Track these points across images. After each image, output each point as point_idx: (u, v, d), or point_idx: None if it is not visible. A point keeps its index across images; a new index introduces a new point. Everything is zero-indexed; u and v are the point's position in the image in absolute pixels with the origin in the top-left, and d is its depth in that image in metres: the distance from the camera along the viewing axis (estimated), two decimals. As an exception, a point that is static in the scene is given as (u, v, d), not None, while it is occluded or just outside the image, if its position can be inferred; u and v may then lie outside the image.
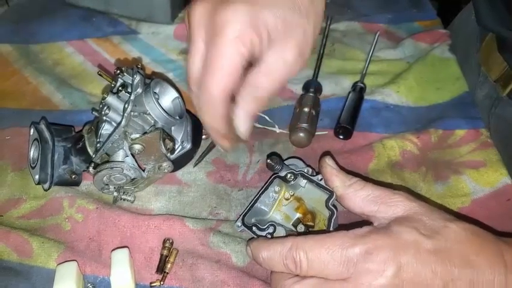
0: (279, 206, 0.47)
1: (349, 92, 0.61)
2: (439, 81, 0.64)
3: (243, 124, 0.40)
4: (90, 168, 0.46)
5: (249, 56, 0.37)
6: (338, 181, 0.42)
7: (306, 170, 0.46)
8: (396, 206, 0.38)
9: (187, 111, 0.53)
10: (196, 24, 0.38)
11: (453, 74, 0.66)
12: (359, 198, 0.40)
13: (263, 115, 0.59)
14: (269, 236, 0.42)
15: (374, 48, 0.65)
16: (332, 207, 0.42)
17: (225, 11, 0.36)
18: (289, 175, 0.45)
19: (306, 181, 0.45)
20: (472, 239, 0.35)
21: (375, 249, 0.34)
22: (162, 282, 0.43)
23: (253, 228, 0.43)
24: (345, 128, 0.56)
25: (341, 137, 0.57)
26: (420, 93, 0.63)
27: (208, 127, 0.41)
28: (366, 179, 0.51)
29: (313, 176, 0.45)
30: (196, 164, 0.53)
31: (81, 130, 0.51)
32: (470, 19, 0.70)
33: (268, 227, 0.43)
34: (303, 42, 0.38)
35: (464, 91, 0.63)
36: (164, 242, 0.45)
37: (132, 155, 0.47)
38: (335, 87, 0.64)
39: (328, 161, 0.44)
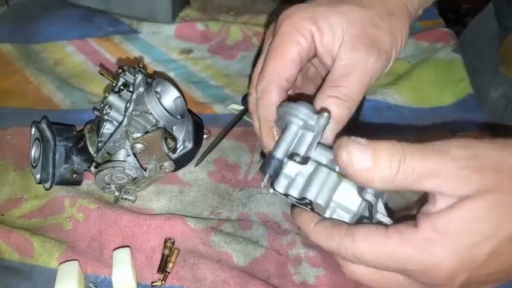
0: None
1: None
2: (442, 83, 0.64)
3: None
4: (92, 168, 0.46)
5: (309, 47, 0.39)
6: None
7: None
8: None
9: (189, 110, 0.53)
10: (267, 34, 0.42)
11: (457, 75, 0.65)
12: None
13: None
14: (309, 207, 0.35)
15: None
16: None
17: (285, 10, 0.39)
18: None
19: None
20: None
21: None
22: (163, 282, 0.43)
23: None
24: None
25: None
26: (423, 94, 0.63)
27: (260, 119, 0.40)
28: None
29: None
30: (197, 164, 0.53)
31: (82, 129, 0.51)
32: (488, 20, 0.69)
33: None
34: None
35: (468, 93, 0.62)
36: (165, 241, 0.45)
37: (134, 154, 0.47)
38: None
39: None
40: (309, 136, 0.35)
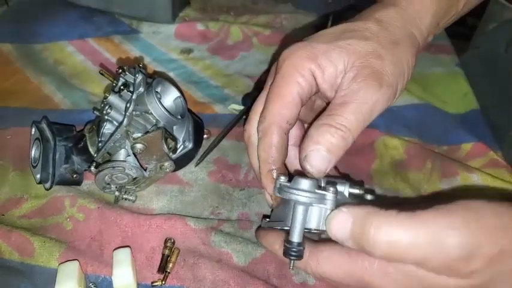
0: None
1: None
2: (445, 95, 0.63)
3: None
4: (92, 168, 0.46)
5: (309, 86, 0.39)
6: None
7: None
8: None
9: (189, 110, 0.53)
10: (270, 72, 0.42)
11: (461, 89, 0.64)
12: None
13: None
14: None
15: None
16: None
17: (286, 50, 0.39)
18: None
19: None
20: None
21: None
22: (163, 282, 0.43)
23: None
24: None
25: None
26: (425, 99, 0.62)
27: (260, 160, 0.40)
28: (369, 182, 0.52)
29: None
30: (197, 164, 0.53)
31: (82, 129, 0.51)
32: (503, 51, 0.67)
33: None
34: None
35: (472, 108, 0.62)
36: (166, 241, 0.45)
37: (134, 154, 0.47)
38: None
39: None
40: (316, 210, 0.35)
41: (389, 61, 0.37)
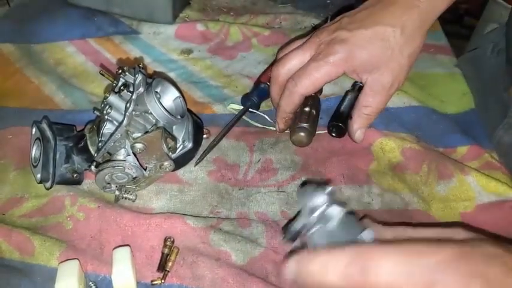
0: None
1: (348, 91, 0.61)
2: (443, 94, 0.64)
3: (360, 135, 0.54)
4: (92, 167, 0.47)
5: (336, 76, 0.51)
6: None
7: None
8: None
9: (189, 110, 0.53)
10: (312, 39, 0.53)
11: (460, 88, 0.65)
12: None
13: (263, 114, 0.59)
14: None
15: None
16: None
17: (333, 48, 0.50)
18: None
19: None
20: None
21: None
22: (163, 281, 0.43)
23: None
24: (338, 125, 0.56)
25: (333, 134, 0.57)
26: (424, 100, 0.62)
27: (280, 109, 0.54)
28: (368, 180, 0.52)
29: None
30: (197, 163, 0.53)
31: (82, 129, 0.51)
32: (489, 55, 0.69)
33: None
34: (397, 70, 0.50)
35: (471, 108, 0.62)
36: (165, 240, 0.45)
37: (134, 154, 0.47)
38: (335, 87, 0.64)
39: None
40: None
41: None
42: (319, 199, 0.35)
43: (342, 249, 0.30)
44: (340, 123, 0.56)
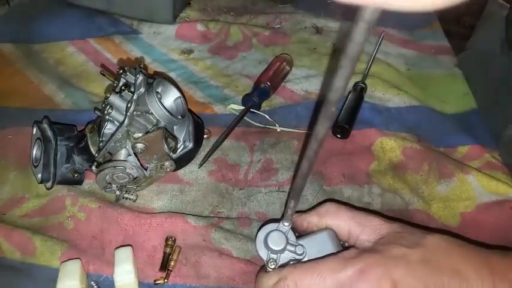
0: None
1: (349, 92, 0.61)
2: (444, 94, 0.64)
3: None
4: (93, 167, 0.47)
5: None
6: (313, 213, 0.41)
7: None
8: (380, 228, 0.37)
9: (189, 110, 0.53)
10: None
11: (460, 88, 0.65)
12: (344, 219, 0.39)
13: (264, 114, 0.59)
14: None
15: (377, 49, 0.65)
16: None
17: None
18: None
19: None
20: (456, 248, 0.35)
21: (367, 268, 0.33)
22: (166, 280, 0.43)
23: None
24: (343, 127, 0.56)
25: (339, 136, 0.57)
26: (424, 100, 0.63)
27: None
28: (368, 180, 0.52)
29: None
30: (201, 165, 0.53)
31: (83, 129, 0.51)
32: (499, 54, 0.67)
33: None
34: None
35: (471, 108, 0.62)
36: (167, 239, 0.45)
37: (135, 154, 0.47)
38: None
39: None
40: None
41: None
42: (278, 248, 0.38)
43: (278, 269, 0.37)
44: (345, 124, 0.56)
